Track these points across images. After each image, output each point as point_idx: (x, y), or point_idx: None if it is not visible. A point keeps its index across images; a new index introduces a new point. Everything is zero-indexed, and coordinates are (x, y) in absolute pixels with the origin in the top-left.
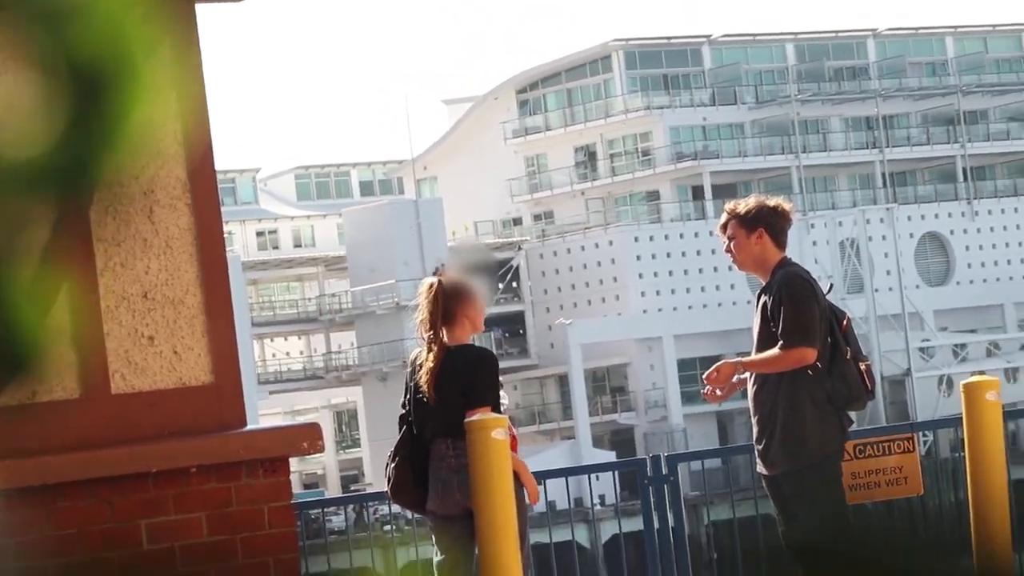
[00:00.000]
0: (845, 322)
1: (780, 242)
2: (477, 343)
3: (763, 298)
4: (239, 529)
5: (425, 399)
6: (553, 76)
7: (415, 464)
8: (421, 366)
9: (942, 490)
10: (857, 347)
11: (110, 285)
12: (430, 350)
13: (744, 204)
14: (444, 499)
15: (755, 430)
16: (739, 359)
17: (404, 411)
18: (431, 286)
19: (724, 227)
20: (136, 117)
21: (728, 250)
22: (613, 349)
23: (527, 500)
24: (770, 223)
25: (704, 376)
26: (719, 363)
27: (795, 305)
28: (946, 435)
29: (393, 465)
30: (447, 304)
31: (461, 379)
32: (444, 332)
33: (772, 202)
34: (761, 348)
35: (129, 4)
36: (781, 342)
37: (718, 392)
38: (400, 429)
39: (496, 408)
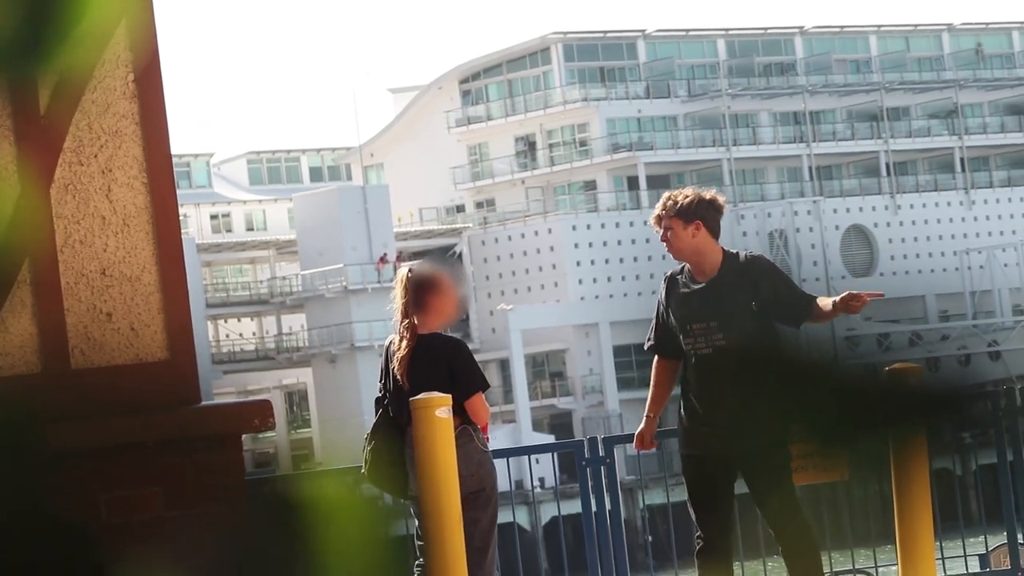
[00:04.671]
0: None
1: (716, 233)
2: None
3: (734, 280)
4: (194, 503)
5: (400, 384)
6: (494, 67)
7: (391, 446)
8: (395, 353)
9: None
10: None
11: (70, 262)
12: (403, 338)
13: (682, 196)
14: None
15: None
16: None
17: (380, 395)
18: (403, 276)
19: (659, 218)
20: (82, 25)
21: (664, 239)
22: (552, 335)
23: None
24: (706, 215)
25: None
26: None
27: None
28: None
29: (369, 448)
30: (418, 294)
31: (434, 367)
32: (416, 320)
33: (708, 195)
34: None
35: None
36: (805, 310)
37: None
38: (376, 412)
39: (487, 388)
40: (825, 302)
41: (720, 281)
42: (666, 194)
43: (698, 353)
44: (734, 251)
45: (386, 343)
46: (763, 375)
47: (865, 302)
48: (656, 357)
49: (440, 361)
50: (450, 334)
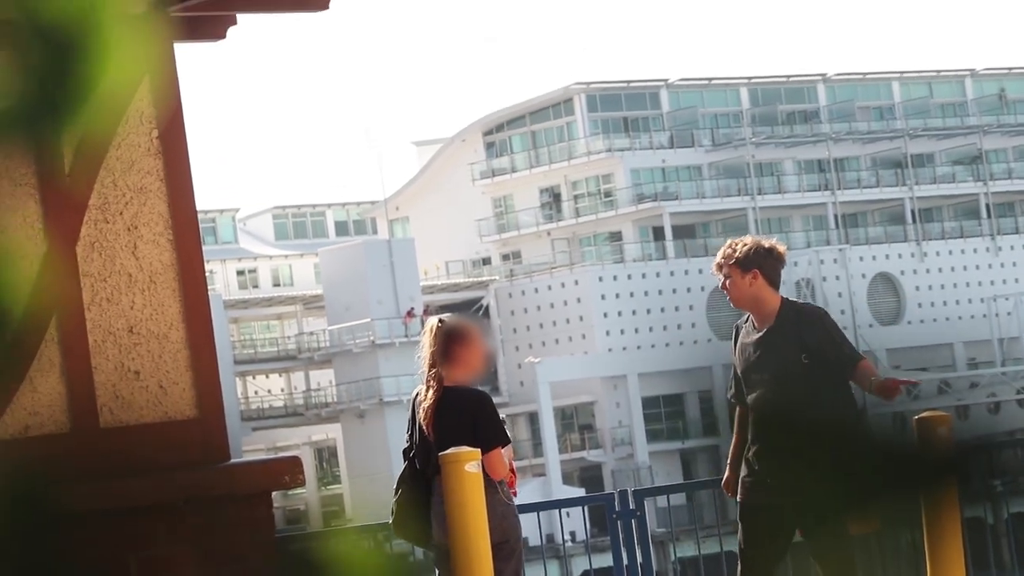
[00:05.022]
0: None
1: (774, 282)
2: None
3: (788, 331)
4: (224, 562)
5: (425, 435)
6: (518, 119)
7: (416, 497)
8: (421, 403)
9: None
10: None
11: (97, 320)
12: (429, 388)
13: (740, 244)
14: (444, 532)
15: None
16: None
17: (407, 445)
18: (432, 327)
19: (719, 267)
20: (104, 84)
21: (724, 287)
22: (580, 387)
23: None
24: (763, 264)
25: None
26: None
27: (839, 333)
28: None
29: (395, 499)
30: (446, 345)
31: (458, 419)
32: (443, 372)
33: (767, 243)
34: (787, 379)
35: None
36: (846, 371)
37: None
38: (404, 462)
39: (507, 444)
40: (868, 374)
41: (775, 331)
42: (728, 242)
43: (753, 404)
44: (793, 300)
45: (413, 395)
46: (798, 428)
47: (899, 392)
48: (738, 407)
49: (464, 413)
50: (477, 387)
